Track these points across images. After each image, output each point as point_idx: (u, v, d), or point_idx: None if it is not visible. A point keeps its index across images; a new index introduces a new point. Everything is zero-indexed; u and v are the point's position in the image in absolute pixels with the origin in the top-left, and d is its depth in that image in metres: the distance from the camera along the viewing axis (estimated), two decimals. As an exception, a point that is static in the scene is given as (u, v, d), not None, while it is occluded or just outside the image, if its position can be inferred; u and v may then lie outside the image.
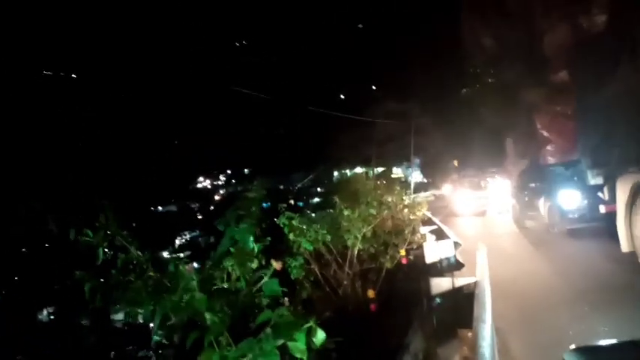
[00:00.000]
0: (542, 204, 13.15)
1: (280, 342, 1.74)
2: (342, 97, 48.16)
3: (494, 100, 26.07)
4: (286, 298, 2.07)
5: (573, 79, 19.09)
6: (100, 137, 35.16)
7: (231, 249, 2.49)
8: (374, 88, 43.93)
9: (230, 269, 2.42)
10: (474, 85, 30.56)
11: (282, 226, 5.25)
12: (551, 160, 20.98)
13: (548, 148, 22.12)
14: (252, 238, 2.42)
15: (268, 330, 1.79)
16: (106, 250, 3.35)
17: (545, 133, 22.46)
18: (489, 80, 28.14)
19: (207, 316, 2.16)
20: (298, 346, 1.73)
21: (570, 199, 11.94)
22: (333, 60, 44.14)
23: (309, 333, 1.78)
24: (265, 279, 2.35)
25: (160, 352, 2.92)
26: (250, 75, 43.92)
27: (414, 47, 34.18)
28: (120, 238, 3.33)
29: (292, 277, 4.36)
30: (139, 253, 3.31)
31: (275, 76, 44.92)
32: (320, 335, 1.79)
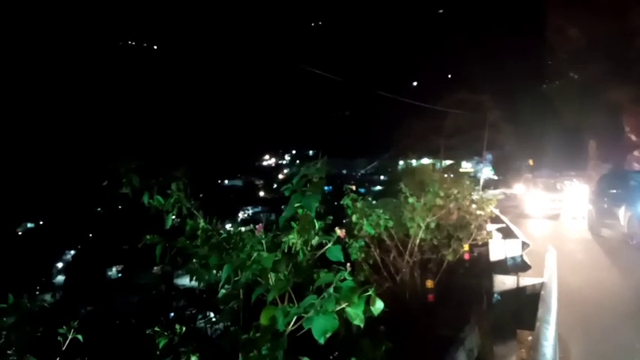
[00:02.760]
0: (622, 212, 12.29)
1: (341, 306, 1.81)
2: (415, 84, 47.17)
3: (577, 98, 24.47)
4: (348, 264, 2.13)
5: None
6: (177, 111, 36.99)
7: (294, 224, 2.59)
8: (449, 76, 42.57)
9: (291, 243, 2.52)
10: (555, 81, 28.81)
11: (345, 206, 5.31)
12: (637, 166, 19.53)
13: (635, 153, 20.57)
14: (316, 205, 2.50)
15: (330, 290, 1.87)
16: (174, 217, 3.57)
17: (633, 137, 20.89)
18: (574, 76, 26.40)
19: (272, 275, 2.28)
20: (357, 312, 1.79)
21: (655, 209, 11.09)
22: (409, 44, 43.25)
23: (368, 301, 1.84)
24: (329, 245, 2.43)
25: (224, 307, 3.09)
26: (323, 56, 44.11)
27: (493, 36, 32.71)
28: (188, 206, 3.53)
29: (352, 258, 4.41)
30: (206, 221, 3.49)
31: (348, 58, 44.80)
32: (379, 304, 1.84)
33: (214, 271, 3.40)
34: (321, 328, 1.76)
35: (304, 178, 2.62)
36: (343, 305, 1.81)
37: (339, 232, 2.48)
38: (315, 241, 2.63)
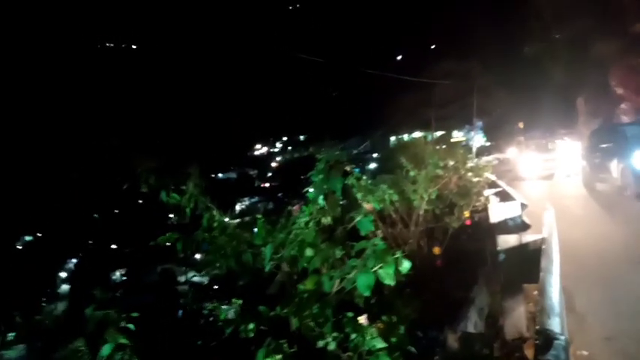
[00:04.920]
0: (614, 166, 12.57)
1: (377, 266, 2.05)
2: (399, 57, 46.92)
3: (563, 56, 24.63)
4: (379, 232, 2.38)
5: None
6: (163, 108, 36.85)
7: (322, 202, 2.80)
8: (433, 47, 42.39)
9: (324, 221, 2.75)
10: (540, 42, 28.87)
11: (351, 186, 5.50)
12: (625, 119, 19.81)
13: (623, 106, 20.85)
14: (340, 186, 2.73)
15: (369, 251, 2.12)
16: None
17: (620, 90, 21.15)
18: (556, 36, 26.49)
19: (308, 249, 2.52)
20: (388, 271, 2.03)
21: (646, 160, 11.36)
22: (389, 16, 42.82)
23: (397, 262, 2.08)
24: (359, 218, 2.66)
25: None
26: (305, 37, 43.70)
27: (474, 2, 32.57)
28: (203, 200, 3.74)
29: (362, 233, 4.62)
30: (220, 213, 3.70)
31: (330, 37, 44.40)
32: (406, 264, 2.09)
33: (232, 259, 3.62)
34: (365, 283, 2.02)
35: (327, 164, 2.84)
36: (377, 267, 2.05)
37: (367, 206, 2.70)
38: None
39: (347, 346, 1.92)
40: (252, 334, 2.27)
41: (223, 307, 2.62)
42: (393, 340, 2.03)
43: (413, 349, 2.09)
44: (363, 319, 2.04)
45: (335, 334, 1.98)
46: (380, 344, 1.83)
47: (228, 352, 2.51)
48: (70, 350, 1.91)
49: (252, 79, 47.49)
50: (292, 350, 1.90)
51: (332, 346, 1.97)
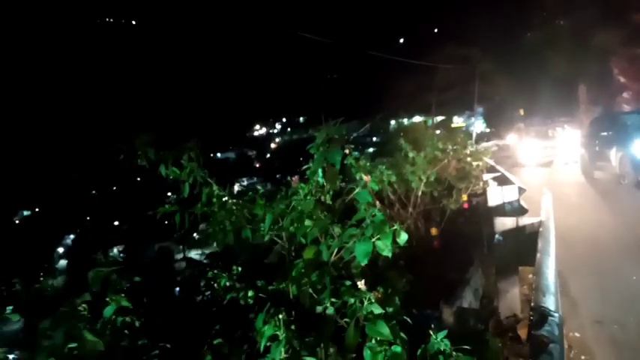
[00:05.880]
0: (613, 154, 12.58)
1: (375, 238, 2.06)
2: (401, 41, 46.53)
3: (565, 44, 24.44)
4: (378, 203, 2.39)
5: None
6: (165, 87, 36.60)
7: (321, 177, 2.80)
8: (435, 31, 41.99)
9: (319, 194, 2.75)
10: (542, 29, 28.58)
11: (349, 165, 5.49)
12: (626, 107, 19.77)
13: (624, 94, 20.78)
14: (339, 159, 2.72)
15: (368, 221, 2.13)
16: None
17: (622, 79, 21.06)
18: (559, 23, 26.25)
19: (307, 220, 2.53)
20: (386, 243, 2.04)
21: (645, 148, 11.37)
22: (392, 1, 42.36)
23: (394, 234, 2.09)
24: (358, 190, 2.67)
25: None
26: (306, 18, 43.22)
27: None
28: (202, 174, 3.73)
29: (361, 207, 4.63)
30: (220, 188, 3.69)
31: (332, 19, 43.97)
32: (403, 236, 2.10)
33: (231, 234, 3.62)
34: (363, 251, 2.03)
35: (326, 137, 2.82)
36: (374, 239, 2.06)
37: (365, 177, 2.70)
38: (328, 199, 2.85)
39: (345, 312, 1.94)
40: (251, 302, 2.30)
41: (224, 275, 2.64)
42: (389, 309, 2.06)
43: (408, 320, 2.12)
44: (361, 285, 2.05)
45: (333, 300, 2.00)
46: (378, 310, 1.84)
47: (228, 317, 2.55)
48: (72, 307, 1.94)
49: (254, 59, 47.08)
50: (290, 318, 1.92)
51: (330, 311, 1.99)
